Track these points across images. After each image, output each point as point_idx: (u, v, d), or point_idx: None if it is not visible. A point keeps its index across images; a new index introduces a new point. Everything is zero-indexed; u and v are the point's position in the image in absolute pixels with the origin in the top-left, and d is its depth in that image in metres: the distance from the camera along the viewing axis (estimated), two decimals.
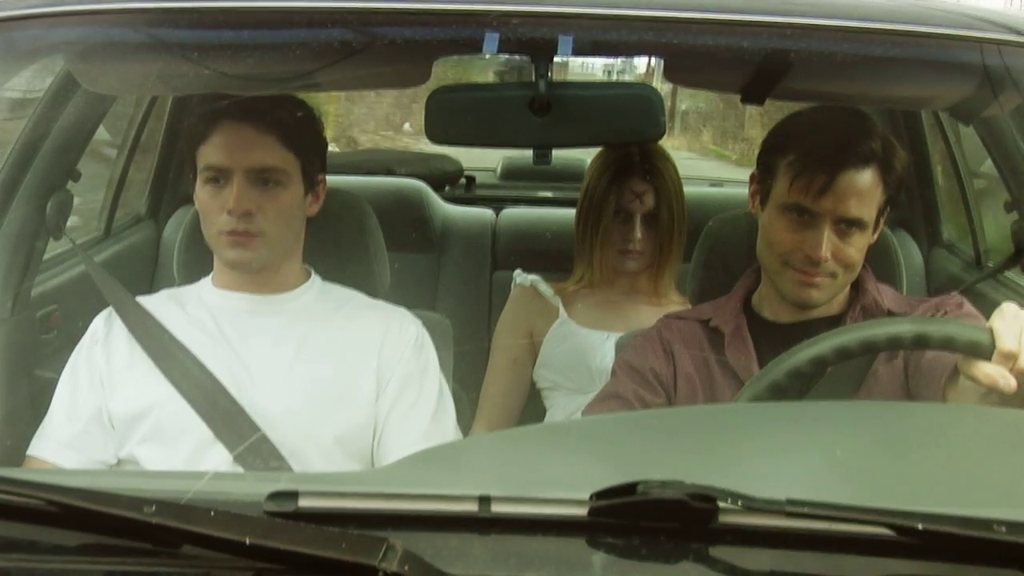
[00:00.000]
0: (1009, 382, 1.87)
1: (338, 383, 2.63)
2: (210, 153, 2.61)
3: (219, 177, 2.60)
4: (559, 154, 4.91)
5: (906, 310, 2.57)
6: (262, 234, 2.60)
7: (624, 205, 3.53)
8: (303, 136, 2.68)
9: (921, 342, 1.97)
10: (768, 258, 2.56)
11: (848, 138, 2.48)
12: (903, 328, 1.97)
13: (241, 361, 2.60)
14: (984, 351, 1.91)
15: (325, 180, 2.77)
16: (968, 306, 2.50)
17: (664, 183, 3.54)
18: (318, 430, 2.57)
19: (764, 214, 2.57)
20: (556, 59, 2.39)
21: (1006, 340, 1.89)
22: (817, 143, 2.48)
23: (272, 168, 2.60)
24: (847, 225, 2.47)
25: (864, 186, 2.46)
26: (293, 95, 2.74)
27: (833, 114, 2.63)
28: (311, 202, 2.72)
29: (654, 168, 3.54)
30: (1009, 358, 1.89)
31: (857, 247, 2.50)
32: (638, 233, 3.52)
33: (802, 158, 2.47)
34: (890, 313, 2.55)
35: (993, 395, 1.92)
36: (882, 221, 2.57)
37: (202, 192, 2.63)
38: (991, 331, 1.92)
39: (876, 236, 2.57)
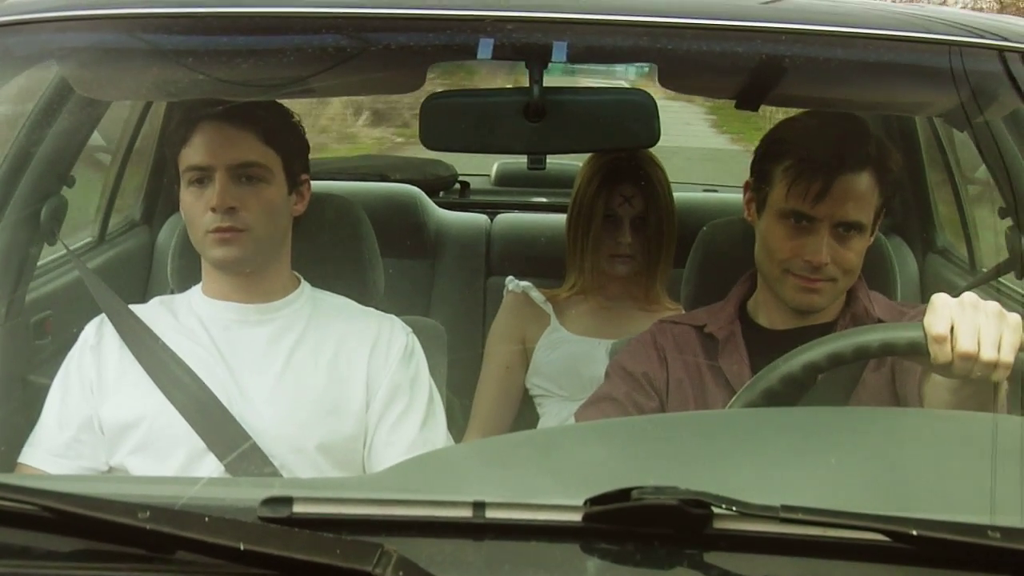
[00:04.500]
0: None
1: (327, 393, 2.63)
2: (191, 154, 2.61)
3: (201, 177, 2.60)
4: (554, 160, 4.91)
5: (896, 317, 2.57)
6: (247, 230, 2.59)
7: (613, 209, 3.54)
8: (283, 134, 2.68)
9: (862, 353, 2.00)
10: (768, 265, 2.57)
11: (843, 142, 2.49)
12: (842, 343, 2.00)
13: (231, 371, 2.60)
14: (923, 347, 1.96)
15: (309, 181, 2.77)
16: None
17: (652, 187, 3.55)
18: (307, 440, 2.57)
19: (761, 221, 2.57)
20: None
21: (936, 327, 1.94)
22: (813, 148, 2.49)
23: (254, 164, 2.60)
24: (845, 229, 2.48)
25: (861, 189, 2.47)
26: (272, 100, 2.74)
27: (827, 119, 2.64)
28: (295, 202, 2.72)
29: (642, 172, 3.55)
30: (941, 341, 1.94)
31: (856, 251, 2.51)
32: (627, 237, 3.53)
33: (798, 164, 2.48)
34: (880, 320, 2.55)
35: (966, 389, 2.00)
36: (878, 224, 2.58)
37: (186, 195, 2.63)
38: (923, 325, 1.96)
39: (872, 239, 2.58)
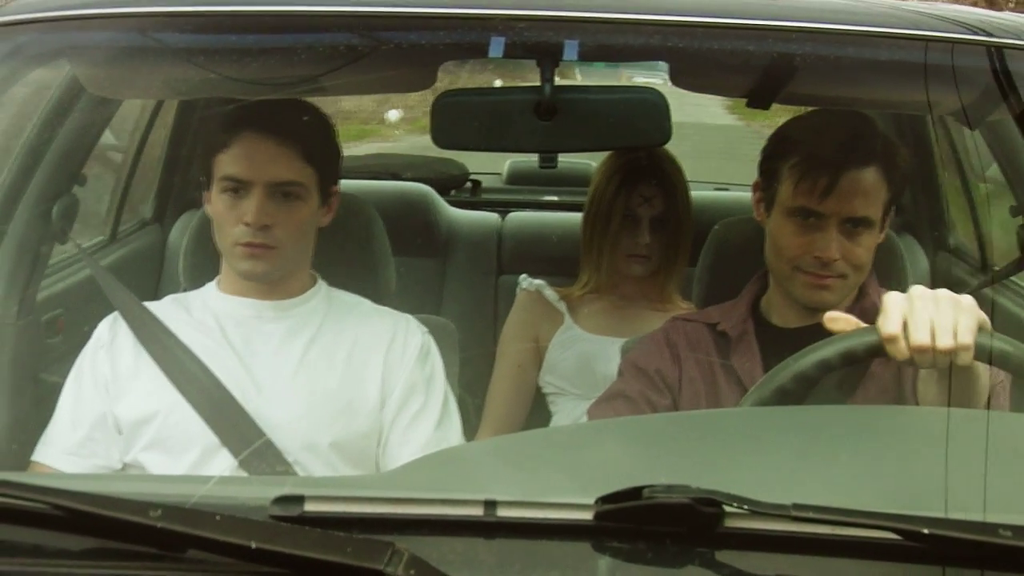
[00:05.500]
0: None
1: (343, 390, 2.63)
2: (230, 163, 2.60)
3: (238, 188, 2.59)
4: (565, 158, 4.91)
5: None
6: (278, 246, 2.60)
7: (633, 209, 3.52)
8: (322, 148, 2.68)
9: (825, 367, 2.02)
10: (778, 264, 2.57)
11: (849, 138, 2.50)
12: (804, 362, 2.02)
13: (245, 367, 2.60)
14: (882, 348, 1.99)
15: (338, 192, 2.77)
16: None
17: (672, 187, 3.54)
18: (322, 437, 2.57)
19: (770, 220, 2.57)
20: None
21: (887, 327, 1.96)
22: (819, 145, 2.49)
23: (293, 182, 2.59)
24: (854, 225, 2.48)
25: (868, 184, 2.47)
26: (309, 103, 2.74)
27: (832, 116, 2.65)
28: (324, 213, 2.72)
29: (662, 172, 3.53)
30: (895, 340, 1.96)
31: (865, 247, 2.51)
32: (646, 237, 3.52)
33: (805, 161, 2.48)
34: None
35: (946, 380, 2.03)
36: (888, 220, 2.57)
37: (219, 201, 2.62)
38: (877, 328, 1.99)
39: (883, 236, 2.57)
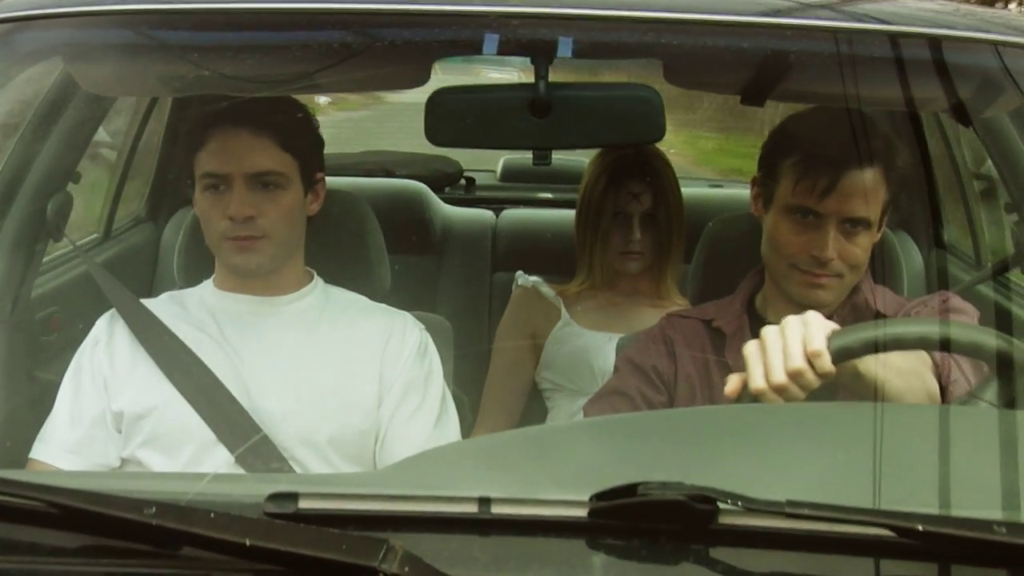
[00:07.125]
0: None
1: (339, 387, 2.63)
2: (208, 160, 2.60)
3: (219, 183, 2.59)
4: (559, 155, 4.91)
5: (896, 311, 2.57)
6: (265, 237, 2.60)
7: (622, 206, 3.53)
8: (299, 136, 2.68)
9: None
10: (774, 261, 2.56)
11: (850, 139, 2.49)
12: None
13: (242, 363, 2.60)
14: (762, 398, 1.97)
15: (324, 179, 2.77)
16: (954, 300, 2.52)
17: (661, 183, 3.54)
18: (318, 434, 2.57)
19: (768, 217, 2.57)
20: None
21: (754, 383, 1.94)
22: (820, 144, 2.49)
23: (271, 171, 2.59)
24: (852, 225, 2.48)
25: (868, 185, 2.47)
26: (286, 96, 2.74)
27: (834, 115, 2.64)
28: (311, 201, 2.72)
29: (651, 168, 3.54)
30: (763, 394, 1.94)
31: (862, 247, 2.50)
32: (637, 234, 3.52)
33: (805, 160, 2.48)
34: (879, 314, 2.55)
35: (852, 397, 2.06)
36: (884, 220, 2.57)
37: (202, 199, 2.63)
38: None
39: (880, 235, 2.57)
